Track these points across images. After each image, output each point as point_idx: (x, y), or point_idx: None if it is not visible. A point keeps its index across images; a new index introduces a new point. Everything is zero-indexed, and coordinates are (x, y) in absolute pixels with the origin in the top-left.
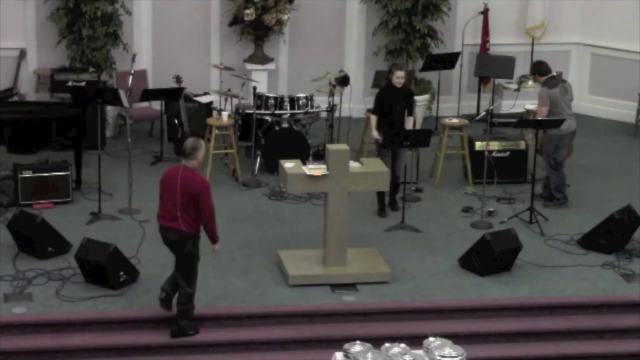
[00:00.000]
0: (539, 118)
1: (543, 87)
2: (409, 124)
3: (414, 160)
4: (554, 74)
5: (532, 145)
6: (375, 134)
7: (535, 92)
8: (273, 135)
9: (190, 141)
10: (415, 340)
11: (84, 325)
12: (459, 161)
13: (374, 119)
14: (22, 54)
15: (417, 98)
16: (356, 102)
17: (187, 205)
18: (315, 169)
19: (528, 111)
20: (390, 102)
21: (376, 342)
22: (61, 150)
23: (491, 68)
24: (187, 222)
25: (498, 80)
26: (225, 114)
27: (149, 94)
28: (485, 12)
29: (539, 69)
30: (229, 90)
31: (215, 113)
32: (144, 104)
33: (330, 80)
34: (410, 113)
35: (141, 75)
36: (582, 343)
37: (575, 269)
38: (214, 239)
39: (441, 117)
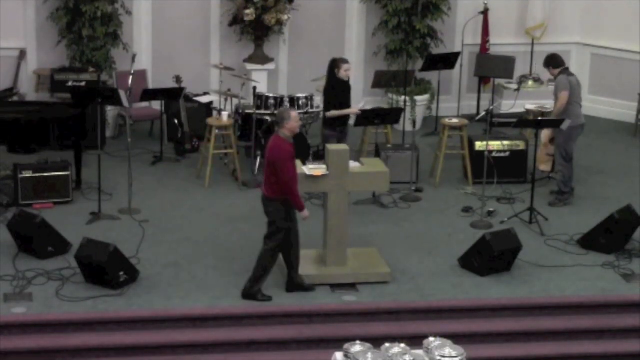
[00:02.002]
0: (561, 103)
1: (561, 76)
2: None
3: (414, 160)
4: (567, 66)
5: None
6: (355, 109)
7: (534, 92)
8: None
9: (280, 110)
10: (415, 340)
11: (84, 325)
12: (459, 161)
13: (337, 111)
14: (22, 54)
15: (417, 98)
16: (356, 102)
17: (269, 171)
18: (315, 169)
19: (528, 111)
20: (343, 96)
21: (376, 342)
22: (61, 150)
23: (491, 68)
24: (269, 188)
25: (498, 80)
26: (225, 114)
27: (149, 94)
28: (485, 12)
29: (554, 62)
30: (229, 90)
31: (215, 113)
32: (144, 104)
33: None
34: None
35: (141, 75)
36: (582, 343)
37: (575, 269)
38: (296, 207)
39: (441, 117)
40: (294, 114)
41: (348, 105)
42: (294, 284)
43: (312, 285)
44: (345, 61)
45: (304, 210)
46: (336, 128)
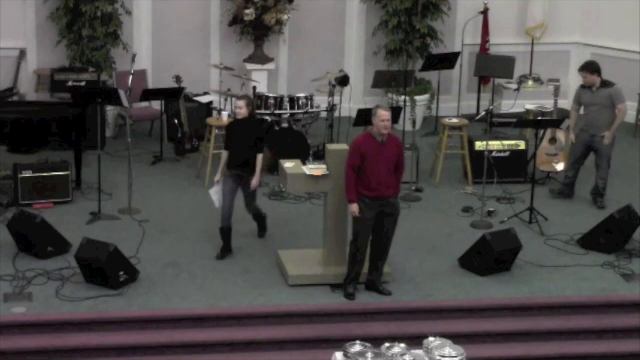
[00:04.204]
0: (624, 114)
1: (617, 86)
2: (257, 162)
3: (414, 160)
4: None
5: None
6: (218, 175)
7: (534, 92)
8: (273, 135)
9: (375, 106)
10: (415, 340)
11: (84, 325)
12: (459, 161)
13: (224, 155)
14: (22, 54)
15: (417, 98)
16: (356, 102)
17: None
18: (315, 169)
19: (528, 111)
20: (234, 135)
21: (376, 342)
22: (61, 150)
23: (491, 68)
24: None
25: (498, 80)
26: (225, 114)
27: (149, 94)
28: (485, 12)
29: (599, 70)
30: (229, 90)
31: (215, 113)
32: (144, 104)
33: (330, 80)
34: (258, 150)
35: (141, 75)
36: (582, 343)
37: (575, 269)
38: (347, 198)
39: (441, 117)
40: (380, 112)
41: (233, 148)
42: (371, 284)
43: (389, 291)
44: (240, 97)
45: (352, 205)
46: (231, 170)
